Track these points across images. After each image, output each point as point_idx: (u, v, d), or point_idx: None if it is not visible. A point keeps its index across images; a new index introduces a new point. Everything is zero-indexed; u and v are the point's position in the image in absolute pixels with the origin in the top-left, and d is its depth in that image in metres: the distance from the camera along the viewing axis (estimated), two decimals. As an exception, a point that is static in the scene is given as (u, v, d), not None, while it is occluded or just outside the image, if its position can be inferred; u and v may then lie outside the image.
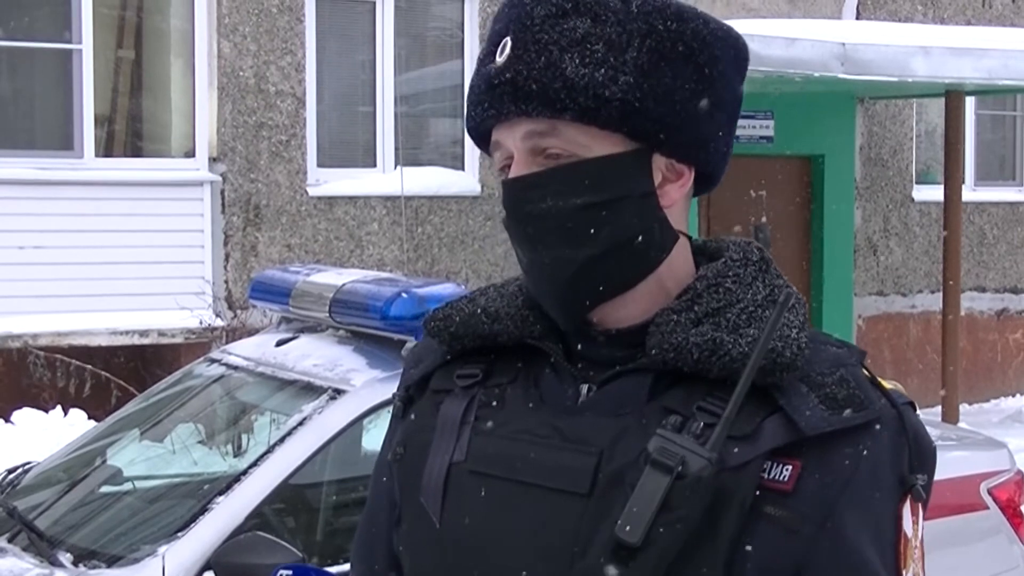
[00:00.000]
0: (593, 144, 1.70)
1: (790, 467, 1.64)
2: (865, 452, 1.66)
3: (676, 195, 1.76)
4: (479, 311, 1.82)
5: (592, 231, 1.71)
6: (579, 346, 1.77)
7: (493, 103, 1.72)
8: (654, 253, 1.74)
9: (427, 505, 1.77)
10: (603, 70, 1.68)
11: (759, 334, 1.66)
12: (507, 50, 1.72)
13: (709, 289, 1.73)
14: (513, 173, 1.74)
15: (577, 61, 1.68)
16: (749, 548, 1.62)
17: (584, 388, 1.74)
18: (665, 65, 1.71)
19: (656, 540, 1.57)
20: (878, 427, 1.67)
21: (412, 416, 1.86)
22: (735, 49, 1.78)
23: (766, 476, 1.63)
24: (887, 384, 1.75)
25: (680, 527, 1.57)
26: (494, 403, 1.78)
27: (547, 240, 1.72)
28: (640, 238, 1.72)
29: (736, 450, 1.62)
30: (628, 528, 1.57)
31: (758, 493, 1.62)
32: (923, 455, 1.71)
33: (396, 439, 1.87)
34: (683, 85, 1.71)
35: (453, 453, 1.76)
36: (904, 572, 1.69)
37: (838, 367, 1.69)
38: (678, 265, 1.77)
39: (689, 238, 1.81)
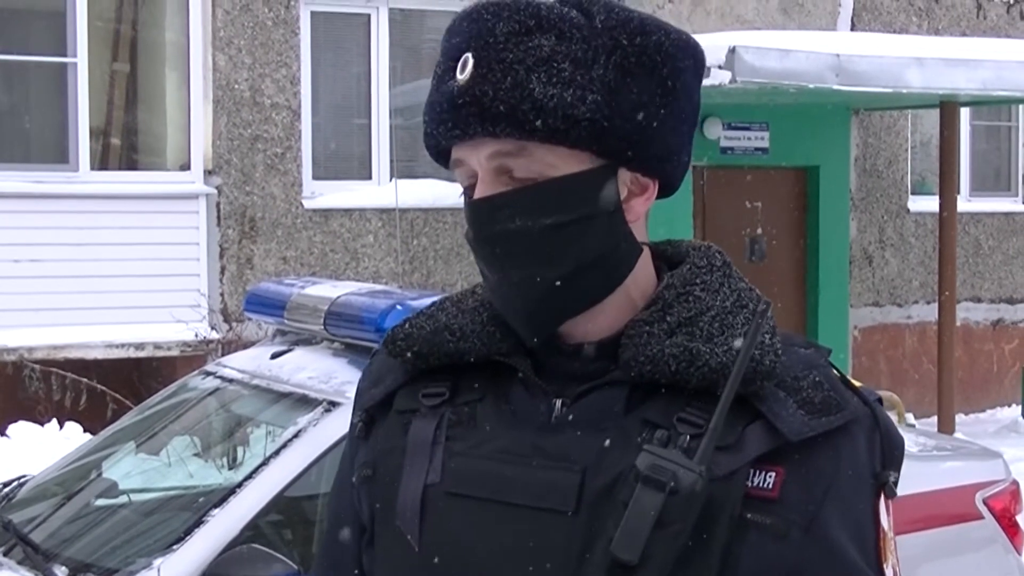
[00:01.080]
0: (560, 163, 1.68)
1: (773, 474, 1.64)
2: (844, 453, 1.67)
3: (641, 209, 1.75)
4: (442, 329, 1.78)
5: (561, 250, 1.69)
6: (548, 361, 1.75)
7: (457, 123, 1.69)
8: (622, 268, 1.73)
9: (405, 529, 1.73)
10: (571, 89, 1.65)
11: (734, 342, 1.66)
12: (469, 68, 1.68)
13: (679, 298, 1.72)
14: (479, 193, 1.71)
15: (544, 80, 1.65)
16: (740, 557, 1.62)
17: (557, 403, 1.72)
18: (631, 80, 1.69)
19: (652, 557, 1.57)
20: (854, 427, 1.68)
21: (378, 437, 1.82)
22: (694, 58, 1.76)
23: (751, 484, 1.64)
24: (856, 382, 1.77)
25: (674, 542, 1.57)
26: (465, 422, 1.75)
27: (516, 260, 1.70)
28: (608, 254, 1.71)
29: (722, 460, 1.62)
30: (624, 547, 1.56)
31: (744, 501, 1.63)
32: (894, 452, 1.73)
33: (361, 460, 1.83)
34: (648, 100, 1.70)
35: (427, 475, 1.73)
36: (884, 565, 1.71)
37: (811, 369, 1.70)
38: (642, 276, 1.76)
39: (649, 246, 1.80)
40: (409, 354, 1.80)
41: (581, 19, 1.69)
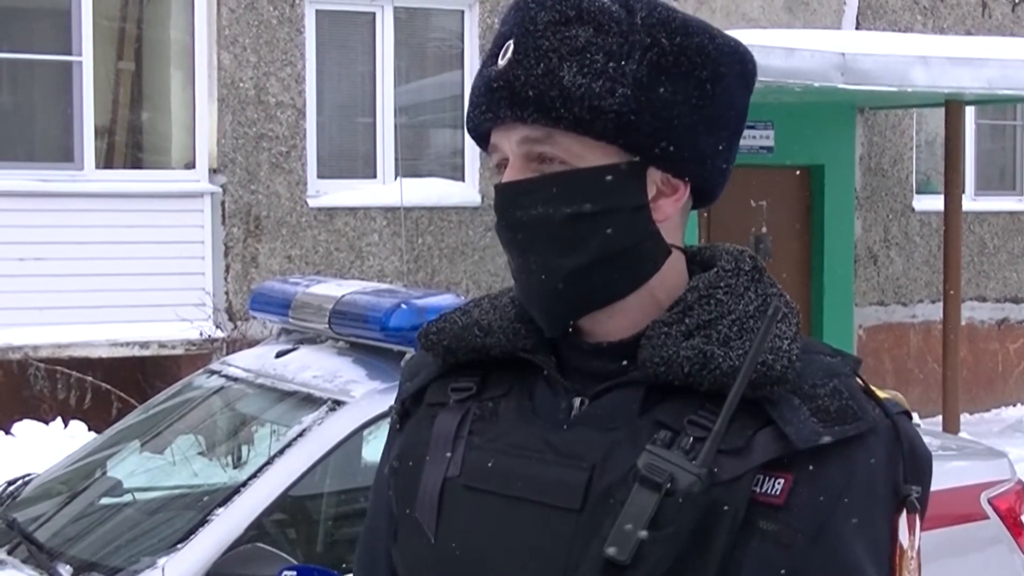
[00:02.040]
0: (588, 154, 1.69)
1: (782, 481, 1.62)
2: (859, 464, 1.64)
3: (670, 210, 1.74)
4: (472, 324, 1.80)
5: (581, 241, 1.69)
6: (572, 359, 1.75)
7: (491, 106, 1.72)
8: (644, 266, 1.73)
9: (422, 520, 1.75)
10: (601, 81, 1.66)
11: (750, 346, 1.64)
12: (509, 54, 1.71)
13: (700, 301, 1.71)
14: (506, 178, 1.73)
15: (575, 70, 1.67)
16: (741, 563, 1.61)
17: (577, 401, 1.72)
18: (665, 79, 1.69)
19: (646, 558, 1.56)
20: (872, 438, 1.65)
21: (408, 430, 1.85)
22: (741, 64, 1.76)
23: (758, 490, 1.62)
24: (883, 393, 1.74)
25: (669, 544, 1.56)
26: (488, 417, 1.76)
27: (536, 247, 1.71)
28: (630, 251, 1.71)
29: (727, 464, 1.60)
30: (617, 546, 1.56)
31: (750, 507, 1.61)
32: (918, 465, 1.69)
33: (393, 452, 1.86)
34: (683, 100, 1.70)
35: (448, 468, 1.75)
36: None
37: (831, 378, 1.67)
38: (670, 277, 1.75)
39: (683, 249, 1.79)
40: (439, 348, 1.82)
41: (622, 14, 1.70)
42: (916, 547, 1.70)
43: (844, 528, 1.63)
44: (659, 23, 1.70)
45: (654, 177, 1.72)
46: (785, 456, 1.62)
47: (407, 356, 4.78)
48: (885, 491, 1.66)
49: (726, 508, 1.59)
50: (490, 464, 1.73)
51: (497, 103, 1.71)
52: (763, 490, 1.62)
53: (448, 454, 1.76)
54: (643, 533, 1.57)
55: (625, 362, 1.72)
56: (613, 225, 1.70)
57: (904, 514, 1.67)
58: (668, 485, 1.56)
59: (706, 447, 1.59)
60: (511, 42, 1.72)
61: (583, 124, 1.67)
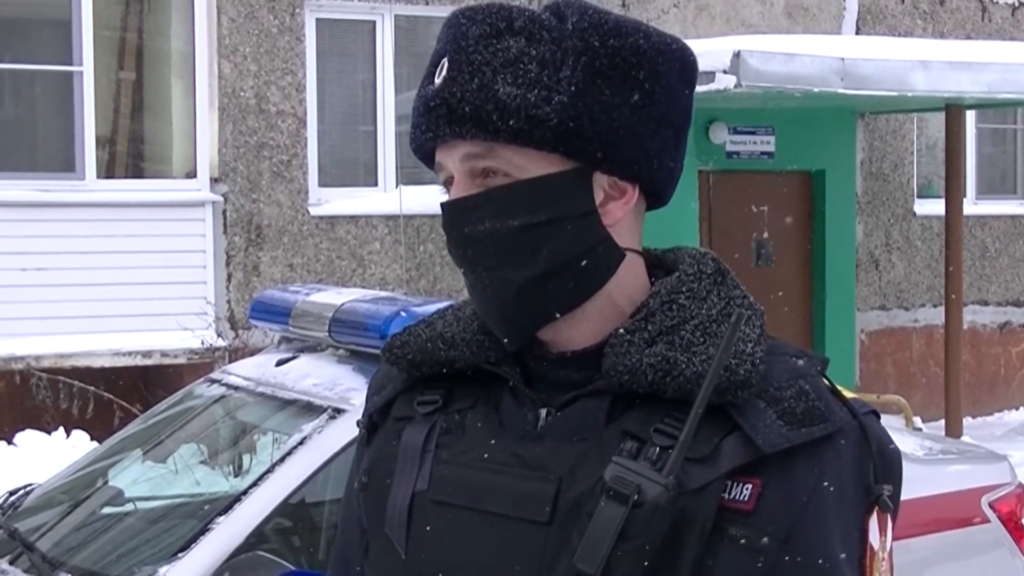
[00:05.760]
0: (530, 165, 1.68)
1: (750, 486, 1.61)
2: (827, 465, 1.63)
3: (619, 213, 1.72)
4: (436, 337, 1.79)
5: (532, 252, 1.68)
6: (537, 370, 1.75)
7: (430, 126, 1.71)
8: (599, 272, 1.71)
9: (392, 536, 1.74)
10: (536, 90, 1.65)
11: (714, 352, 1.62)
12: (444, 72, 1.70)
13: (663, 307, 1.70)
14: (452, 196, 1.73)
15: (510, 82, 1.66)
16: (713, 571, 1.60)
17: (543, 412, 1.72)
18: (602, 82, 1.67)
19: (615, 569, 1.55)
20: (840, 439, 1.64)
21: (375, 444, 1.84)
22: (681, 61, 1.74)
23: (726, 496, 1.61)
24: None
25: (639, 556, 1.55)
26: (455, 430, 1.75)
27: (487, 262, 1.70)
28: (582, 257, 1.70)
29: (695, 473, 1.59)
30: (586, 559, 1.55)
31: (719, 514, 1.60)
32: (887, 464, 1.68)
33: (361, 467, 1.85)
34: (622, 102, 1.68)
35: (416, 482, 1.74)
36: None
37: (797, 379, 1.66)
38: (629, 282, 1.74)
39: (641, 253, 1.77)
40: (403, 362, 1.81)
41: (553, 21, 1.69)
42: (888, 548, 1.69)
43: (814, 530, 1.62)
44: (591, 27, 1.69)
45: (600, 182, 1.71)
46: (753, 461, 1.61)
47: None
48: (855, 491, 1.65)
49: (695, 517, 1.58)
50: (459, 477, 1.71)
51: (436, 122, 1.70)
52: (732, 496, 1.61)
53: (416, 468, 1.74)
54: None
55: (590, 371, 1.70)
56: (562, 233, 1.69)
57: (875, 514, 1.66)
58: (635, 497, 1.55)
59: (673, 456, 1.57)
60: (445, 60, 1.71)
61: (522, 135, 1.66)
